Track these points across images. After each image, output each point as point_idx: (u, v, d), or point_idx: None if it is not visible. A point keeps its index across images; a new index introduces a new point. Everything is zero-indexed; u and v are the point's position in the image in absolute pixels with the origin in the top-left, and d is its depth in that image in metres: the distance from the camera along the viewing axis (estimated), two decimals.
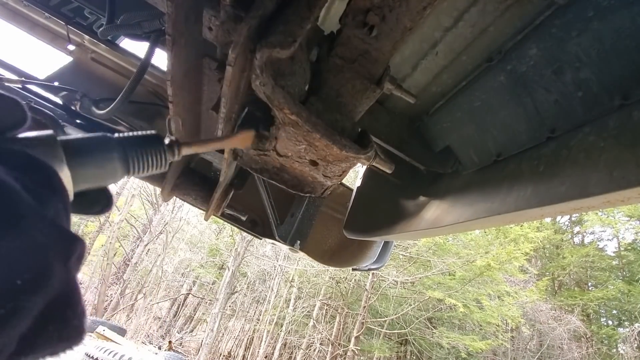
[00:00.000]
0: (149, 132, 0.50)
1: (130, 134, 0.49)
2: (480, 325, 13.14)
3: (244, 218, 2.04)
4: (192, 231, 19.10)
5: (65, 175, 0.40)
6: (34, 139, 0.38)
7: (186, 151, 0.55)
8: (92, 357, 7.66)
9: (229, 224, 2.17)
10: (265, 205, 1.94)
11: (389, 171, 0.84)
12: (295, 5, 0.65)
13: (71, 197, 0.41)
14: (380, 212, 1.56)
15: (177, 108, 1.12)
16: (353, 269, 2.27)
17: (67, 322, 0.31)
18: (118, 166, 0.45)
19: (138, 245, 16.57)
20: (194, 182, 1.81)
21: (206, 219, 1.88)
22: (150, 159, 0.49)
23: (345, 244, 2.09)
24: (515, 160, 1.01)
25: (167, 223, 16.25)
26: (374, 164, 0.79)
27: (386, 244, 2.14)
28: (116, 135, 0.47)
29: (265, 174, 0.88)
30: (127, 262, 16.61)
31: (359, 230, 1.59)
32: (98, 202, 0.47)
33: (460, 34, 1.02)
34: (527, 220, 0.93)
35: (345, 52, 0.73)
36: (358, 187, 1.78)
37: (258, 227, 2.10)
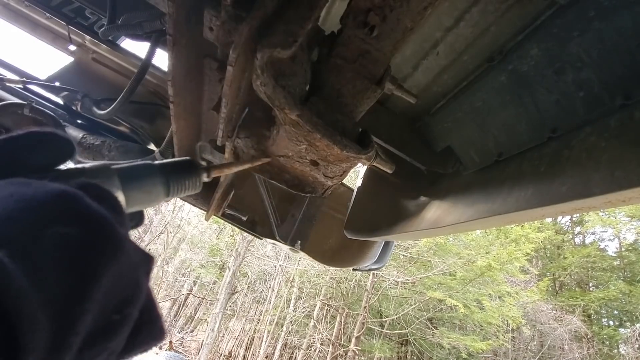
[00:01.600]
0: (184, 158, 0.56)
1: (169, 161, 0.54)
2: (481, 326, 13.12)
3: (244, 218, 2.04)
4: (192, 231, 19.10)
5: (122, 200, 0.45)
6: (95, 169, 0.43)
7: (216, 174, 0.61)
8: None
9: (229, 224, 2.17)
10: (265, 205, 1.94)
11: (389, 171, 0.84)
12: (296, 6, 0.65)
13: None
14: (380, 212, 1.56)
15: (178, 108, 1.12)
16: (354, 269, 2.27)
17: (155, 323, 0.37)
18: (161, 191, 0.51)
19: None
20: None
21: (207, 219, 1.88)
22: (187, 183, 0.54)
23: (345, 244, 2.09)
24: (516, 160, 1.01)
25: (167, 223, 16.27)
26: (374, 164, 0.79)
27: (387, 244, 2.14)
28: (157, 162, 0.52)
29: (266, 174, 0.88)
30: None
31: (360, 230, 1.59)
32: (133, 218, 0.52)
33: (461, 34, 1.02)
34: (528, 220, 0.93)
35: (346, 52, 0.73)
36: (358, 187, 1.77)
37: (258, 227, 2.10)
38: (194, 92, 1.13)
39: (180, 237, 18.51)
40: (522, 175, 0.93)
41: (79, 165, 0.43)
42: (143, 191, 0.48)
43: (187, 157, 0.56)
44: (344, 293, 14.36)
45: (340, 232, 1.77)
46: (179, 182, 0.53)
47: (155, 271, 16.90)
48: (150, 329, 0.37)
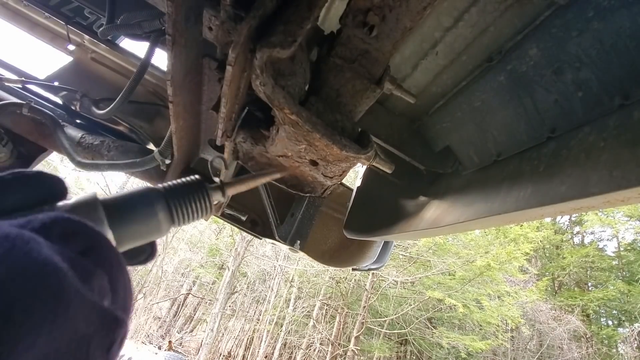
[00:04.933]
0: (191, 178, 0.49)
1: (173, 183, 0.47)
2: (480, 325, 13.13)
3: (244, 218, 2.04)
4: (192, 231, 19.10)
5: (110, 239, 0.38)
6: (76, 204, 0.37)
7: (231, 192, 0.54)
8: None
9: (229, 224, 2.17)
10: (265, 205, 1.94)
11: (389, 171, 0.84)
12: (296, 5, 0.65)
13: None
14: (380, 212, 1.56)
15: (177, 108, 1.12)
16: (353, 269, 2.27)
17: None
18: (162, 220, 0.44)
19: None
20: None
21: (206, 219, 1.88)
22: (195, 207, 0.47)
23: (345, 244, 2.09)
24: (515, 160, 1.01)
25: None
26: (374, 164, 0.79)
27: (386, 244, 2.14)
28: (160, 186, 0.46)
29: None
30: None
31: (359, 230, 1.59)
32: (143, 251, 0.46)
33: (460, 34, 1.02)
34: (527, 220, 0.93)
35: (346, 52, 0.73)
36: (358, 187, 1.78)
37: (258, 227, 2.10)
38: (193, 92, 1.13)
39: (179, 237, 18.50)
40: (521, 175, 0.93)
41: (62, 202, 0.37)
42: (138, 224, 0.41)
43: (196, 177, 0.49)
44: (344, 293, 14.37)
45: (340, 232, 1.77)
46: (186, 207, 0.46)
47: (155, 271, 16.89)
48: None
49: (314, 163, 0.80)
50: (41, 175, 0.36)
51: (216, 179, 0.52)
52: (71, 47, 2.01)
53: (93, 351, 0.27)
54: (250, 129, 0.83)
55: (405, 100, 0.92)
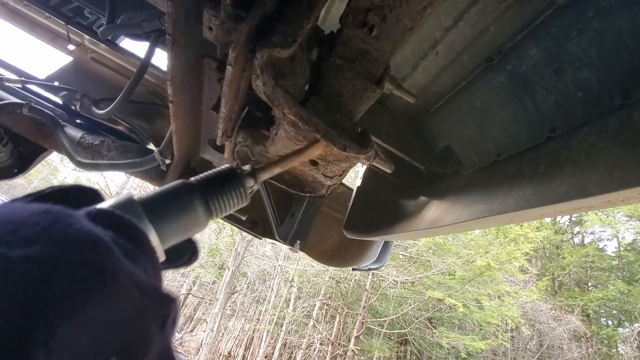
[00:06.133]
0: (223, 168, 0.48)
1: (206, 175, 0.47)
2: (480, 325, 13.13)
3: (244, 218, 2.04)
4: None
5: (153, 236, 0.38)
6: (115, 204, 0.37)
7: (264, 177, 0.53)
8: None
9: (229, 224, 2.17)
10: (265, 205, 1.94)
11: (389, 171, 0.84)
12: (296, 5, 0.65)
13: (162, 257, 0.40)
14: (380, 212, 1.56)
15: (177, 108, 1.12)
16: (353, 269, 2.27)
17: None
18: (201, 214, 0.44)
19: None
20: None
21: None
22: (231, 197, 0.47)
23: (345, 244, 2.09)
24: (515, 160, 1.01)
25: None
26: (374, 163, 0.79)
27: (386, 244, 2.14)
28: (192, 179, 0.45)
29: None
30: None
31: (359, 230, 1.59)
32: (185, 252, 0.45)
33: (460, 34, 1.02)
34: (527, 220, 0.93)
35: (346, 52, 0.73)
36: (358, 187, 1.77)
37: (258, 227, 2.10)
38: (193, 92, 1.13)
39: None
40: (521, 175, 0.93)
41: (100, 204, 0.37)
42: (178, 220, 0.41)
43: (227, 166, 0.49)
44: (344, 293, 14.36)
45: (340, 232, 1.77)
46: (222, 197, 0.46)
47: None
48: None
49: (314, 163, 0.80)
50: (79, 187, 0.37)
51: (246, 167, 0.51)
52: (71, 47, 2.01)
53: (150, 323, 0.25)
54: (250, 129, 0.83)
55: (405, 100, 0.92)
